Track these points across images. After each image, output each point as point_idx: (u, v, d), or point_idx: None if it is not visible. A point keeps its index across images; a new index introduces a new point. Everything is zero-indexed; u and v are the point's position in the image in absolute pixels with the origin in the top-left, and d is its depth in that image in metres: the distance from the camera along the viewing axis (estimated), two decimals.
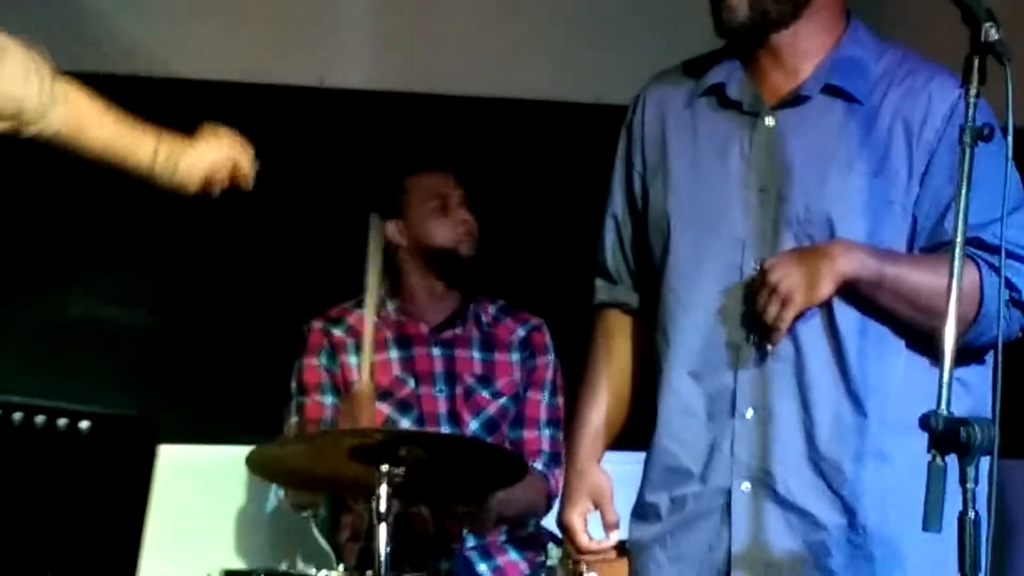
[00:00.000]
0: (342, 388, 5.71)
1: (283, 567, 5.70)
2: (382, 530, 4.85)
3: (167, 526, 5.80)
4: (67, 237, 6.49)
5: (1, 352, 6.25)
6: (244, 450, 5.23)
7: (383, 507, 4.77)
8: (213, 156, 4.19)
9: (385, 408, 5.63)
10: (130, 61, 6.30)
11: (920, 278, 3.80)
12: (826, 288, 3.72)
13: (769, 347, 3.87)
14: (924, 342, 3.82)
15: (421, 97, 6.35)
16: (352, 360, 5.68)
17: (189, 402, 6.21)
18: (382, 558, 4.85)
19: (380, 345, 5.67)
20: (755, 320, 3.83)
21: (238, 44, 6.42)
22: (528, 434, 5.76)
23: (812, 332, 3.84)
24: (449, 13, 6.46)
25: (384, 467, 4.78)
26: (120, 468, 1.65)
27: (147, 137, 4.04)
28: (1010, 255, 3.68)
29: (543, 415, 5.76)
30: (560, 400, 5.66)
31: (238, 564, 5.59)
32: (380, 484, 4.78)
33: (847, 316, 3.83)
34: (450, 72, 6.37)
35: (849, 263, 3.72)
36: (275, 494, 5.86)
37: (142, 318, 6.42)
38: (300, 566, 5.66)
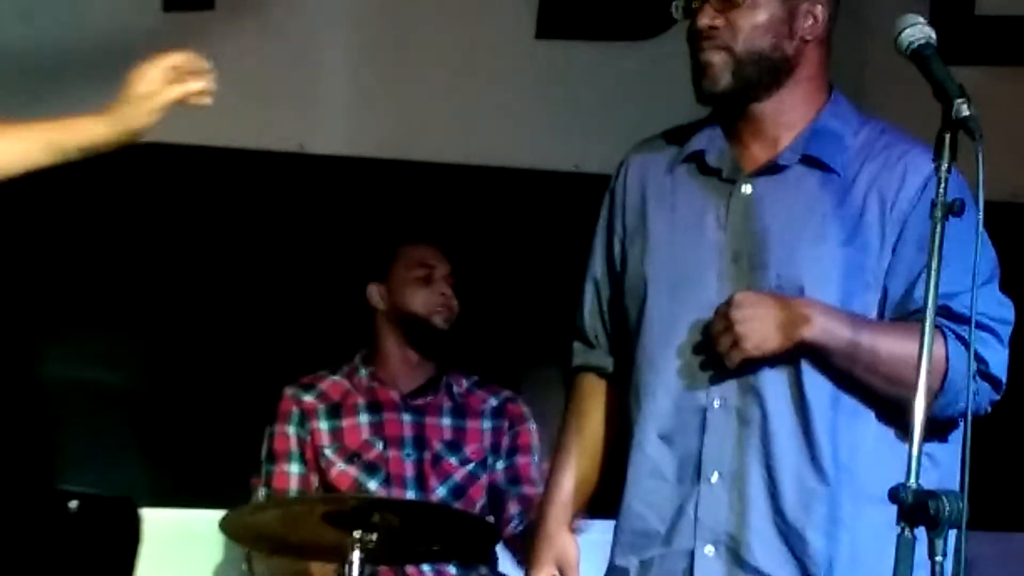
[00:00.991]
0: (310, 458, 5.74)
1: None
2: None
3: None
4: (46, 298, 6.36)
5: None
6: (219, 514, 5.21)
7: (355, 572, 4.79)
8: (148, 89, 4.04)
9: (353, 470, 5.69)
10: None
11: (890, 346, 3.81)
12: (776, 345, 3.75)
13: (736, 406, 3.90)
14: (893, 413, 3.80)
15: (399, 164, 6.32)
16: (323, 425, 5.73)
17: (167, 465, 6.20)
18: None
19: (350, 409, 5.76)
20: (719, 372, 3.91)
21: (220, 110, 6.21)
22: (528, 490, 5.75)
23: (779, 397, 3.84)
24: (427, 80, 6.47)
25: (357, 533, 4.81)
26: (107, 545, 1.67)
27: (67, 119, 3.98)
28: (979, 326, 3.67)
29: (535, 475, 5.74)
30: (546, 466, 5.49)
31: None
32: (352, 549, 4.82)
33: (816, 383, 3.82)
34: (428, 139, 6.36)
35: (812, 330, 3.73)
36: (250, 568, 5.82)
37: (121, 380, 6.33)
38: None
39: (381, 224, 6.11)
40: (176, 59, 3.96)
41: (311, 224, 6.31)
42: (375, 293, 5.78)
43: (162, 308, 6.34)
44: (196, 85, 4.02)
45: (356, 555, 4.86)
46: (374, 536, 4.90)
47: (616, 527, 4.06)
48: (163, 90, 3.97)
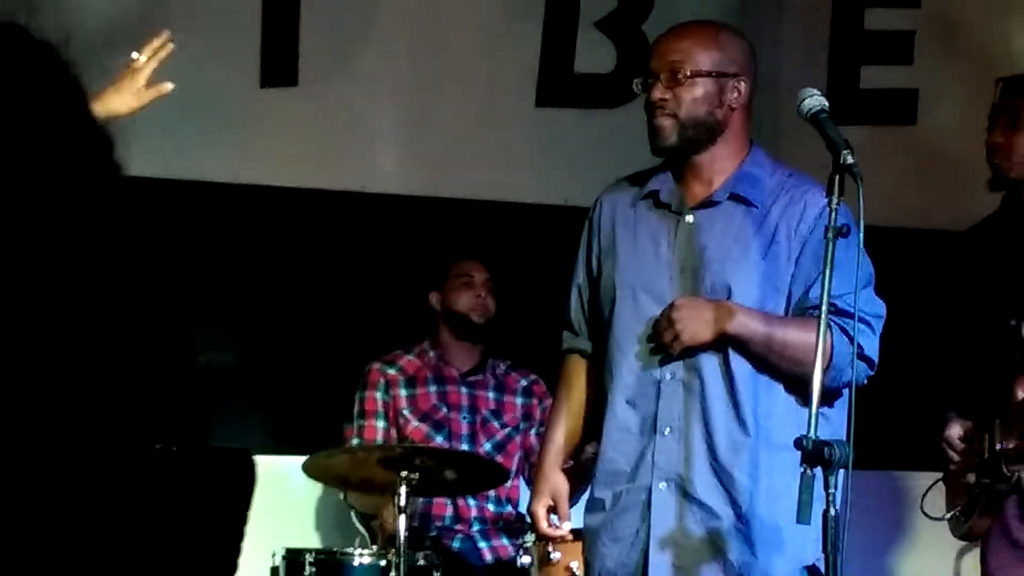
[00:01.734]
0: (391, 417, 5.76)
1: (332, 547, 5.59)
2: (401, 519, 4.85)
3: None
4: (190, 303, 6.26)
5: None
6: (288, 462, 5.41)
7: (403, 502, 4.77)
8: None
9: (424, 427, 5.70)
10: (199, 168, 6.17)
11: (793, 336, 3.90)
12: (706, 336, 3.85)
13: (683, 379, 3.98)
14: (796, 385, 3.88)
15: (435, 199, 6.20)
16: (402, 392, 5.77)
17: (270, 424, 6.16)
18: (402, 539, 4.80)
19: (422, 381, 5.79)
20: (669, 355, 3.98)
21: (311, 160, 6.26)
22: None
23: (713, 373, 3.93)
24: (454, 137, 6.29)
25: (403, 472, 4.78)
26: (229, 493, 1.55)
27: None
28: (859, 320, 3.78)
29: None
30: None
31: (296, 545, 5.39)
32: (400, 485, 4.78)
33: (739, 363, 3.91)
34: (455, 180, 6.23)
35: (733, 325, 3.84)
36: (346, 500, 5.89)
37: (242, 363, 6.27)
38: (343, 546, 5.54)
39: (431, 245, 6.02)
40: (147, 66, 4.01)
41: (380, 246, 6.17)
42: (434, 298, 5.78)
43: (276, 310, 6.22)
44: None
45: (403, 489, 4.84)
46: (416, 475, 4.86)
47: (596, 468, 4.11)
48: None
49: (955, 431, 4.70)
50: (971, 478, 4.65)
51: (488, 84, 6.41)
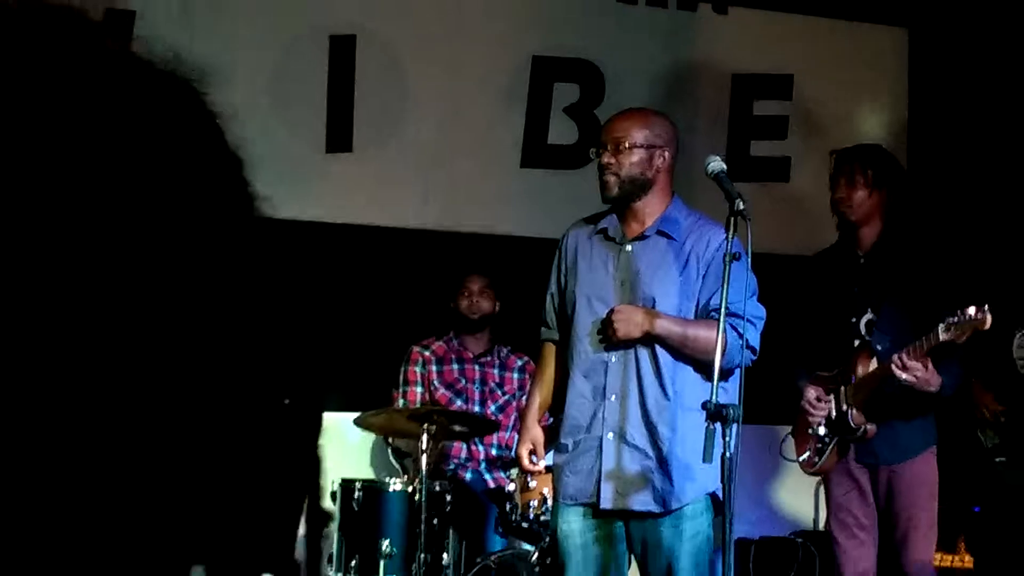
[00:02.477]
0: (426, 385, 5.77)
1: (374, 479, 5.64)
2: (423, 458, 4.92)
3: None
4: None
5: None
6: (342, 417, 5.39)
7: (424, 445, 4.84)
8: None
9: (448, 394, 5.72)
10: (274, 210, 6.06)
11: (700, 334, 3.95)
12: (637, 334, 3.94)
13: (623, 360, 4.03)
14: (703, 367, 3.93)
15: (450, 233, 6.21)
16: (434, 368, 5.81)
17: (334, 388, 5.82)
18: (424, 472, 4.88)
19: (447, 360, 5.81)
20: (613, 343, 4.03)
21: (349, 200, 6.22)
22: None
23: (645, 357, 4.00)
24: (461, 189, 6.33)
25: (425, 425, 4.85)
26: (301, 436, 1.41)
27: None
28: (747, 320, 3.89)
29: None
30: None
31: (349, 476, 5.41)
32: (423, 433, 4.86)
33: (663, 351, 3.99)
34: (464, 219, 6.24)
35: (655, 325, 3.92)
36: (388, 443, 5.90)
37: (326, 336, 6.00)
38: (382, 477, 5.59)
39: (449, 263, 5.98)
40: None
41: (415, 264, 6.15)
42: (453, 304, 5.78)
43: (342, 310, 6.02)
44: None
45: (424, 437, 4.89)
46: (434, 427, 4.94)
47: (561, 424, 4.20)
48: None
49: (811, 395, 4.72)
50: (821, 431, 4.71)
51: (488, 150, 6.42)
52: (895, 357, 4.42)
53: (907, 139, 6.85)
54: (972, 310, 4.19)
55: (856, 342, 4.68)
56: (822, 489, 5.25)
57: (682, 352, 4.09)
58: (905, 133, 6.88)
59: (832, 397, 4.68)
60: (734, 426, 3.67)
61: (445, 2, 6.36)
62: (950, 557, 5.54)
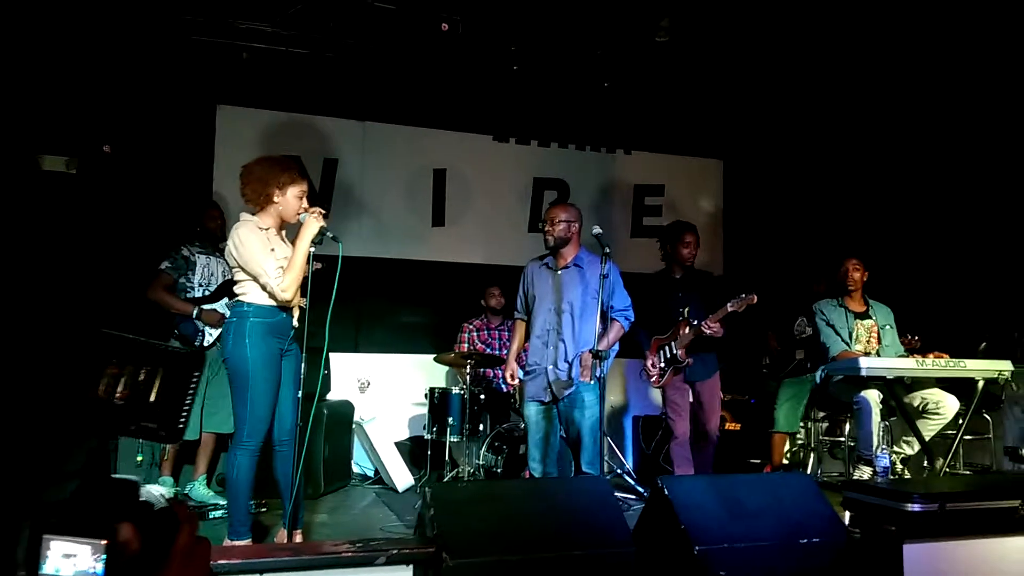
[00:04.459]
0: (472, 342, 5.71)
1: (445, 387, 5.42)
2: (468, 376, 5.06)
3: (408, 379, 5.90)
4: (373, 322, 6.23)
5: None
6: (430, 356, 5.41)
7: (467, 370, 4.98)
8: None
9: (482, 347, 5.72)
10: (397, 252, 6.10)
11: (608, 335, 3.90)
12: (589, 364, 3.80)
13: (558, 329, 3.90)
14: (592, 331, 3.75)
15: (489, 265, 6.31)
16: (475, 334, 5.74)
17: (427, 342, 6.04)
18: (467, 382, 5.02)
19: (481, 328, 5.76)
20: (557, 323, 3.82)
21: (442, 249, 6.29)
22: None
23: (567, 328, 3.98)
24: (498, 242, 6.38)
25: (468, 360, 4.99)
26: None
27: None
28: (622, 312, 3.93)
29: None
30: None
31: (434, 386, 5.37)
32: (466, 365, 5.01)
33: (577, 326, 3.97)
34: (497, 255, 6.31)
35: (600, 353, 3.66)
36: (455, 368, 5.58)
37: (422, 321, 6.23)
38: (451, 386, 5.46)
39: (486, 279, 5.99)
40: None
41: (471, 280, 6.24)
42: (483, 301, 5.79)
43: (428, 309, 6.16)
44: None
45: (468, 365, 5.04)
46: (472, 360, 5.07)
47: (527, 361, 4.13)
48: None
49: (649, 361, 4.63)
50: (662, 361, 4.63)
51: (511, 223, 6.55)
52: (704, 321, 4.38)
53: (722, 219, 7.02)
54: (747, 295, 4.18)
55: (680, 318, 4.62)
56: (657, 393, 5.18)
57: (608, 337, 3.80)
58: (721, 215, 7.04)
59: (666, 347, 4.56)
60: (607, 361, 3.76)
61: (490, 150, 6.46)
62: (731, 425, 5.77)
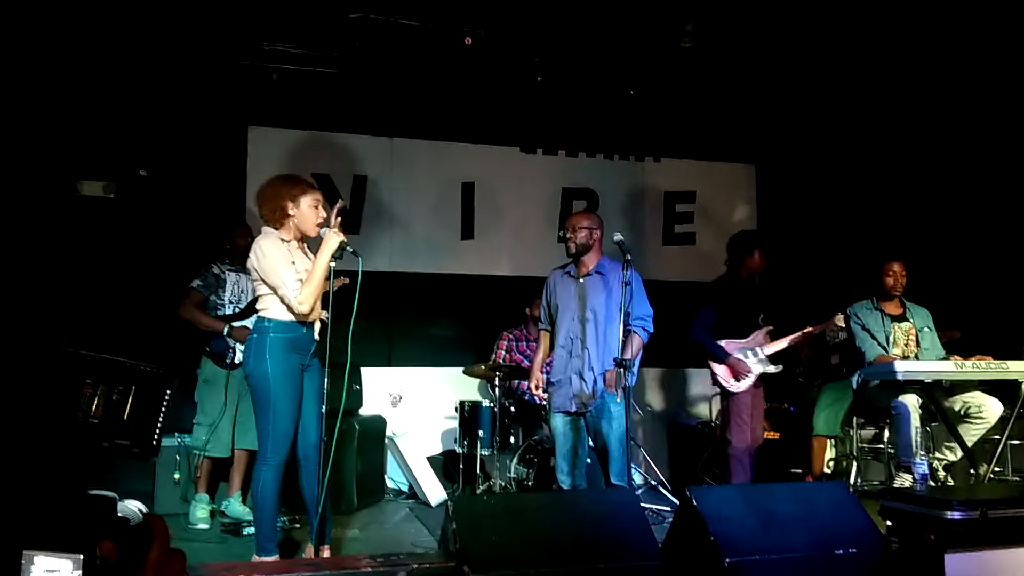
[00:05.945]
0: (508, 352, 5.69)
1: (476, 400, 5.42)
2: (498, 389, 5.03)
3: (438, 393, 5.87)
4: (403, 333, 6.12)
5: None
6: (459, 369, 5.36)
7: (497, 383, 4.96)
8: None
9: (519, 357, 5.67)
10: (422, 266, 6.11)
11: (632, 347, 3.91)
12: (612, 380, 3.80)
13: (583, 340, 3.87)
14: (615, 341, 3.77)
15: (520, 277, 6.30)
16: (513, 344, 5.73)
17: (456, 355, 6.00)
18: (498, 395, 4.98)
19: (520, 339, 5.71)
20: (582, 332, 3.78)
21: (471, 264, 6.27)
22: None
23: (591, 339, 3.99)
24: (528, 254, 6.37)
25: (498, 373, 4.98)
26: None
27: None
28: (642, 319, 3.89)
29: None
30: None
31: (464, 399, 5.36)
32: (496, 376, 4.97)
33: (601, 338, 3.96)
34: (527, 267, 6.30)
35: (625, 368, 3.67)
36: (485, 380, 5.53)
37: (451, 334, 6.17)
38: (482, 399, 5.47)
39: (521, 291, 5.97)
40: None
41: (505, 291, 6.25)
42: (528, 311, 5.69)
43: (462, 317, 6.18)
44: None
45: (498, 377, 5.02)
46: (502, 372, 5.06)
47: (551, 372, 4.12)
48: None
49: (731, 346, 4.58)
50: (752, 365, 4.60)
51: (538, 235, 6.52)
52: (799, 333, 4.50)
53: (756, 224, 6.91)
54: (838, 318, 4.30)
55: (756, 326, 4.65)
56: (716, 398, 5.16)
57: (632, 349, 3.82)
58: (755, 220, 6.93)
59: (749, 351, 4.59)
60: (635, 370, 3.79)
61: (518, 161, 6.45)
62: (770, 434, 5.66)
